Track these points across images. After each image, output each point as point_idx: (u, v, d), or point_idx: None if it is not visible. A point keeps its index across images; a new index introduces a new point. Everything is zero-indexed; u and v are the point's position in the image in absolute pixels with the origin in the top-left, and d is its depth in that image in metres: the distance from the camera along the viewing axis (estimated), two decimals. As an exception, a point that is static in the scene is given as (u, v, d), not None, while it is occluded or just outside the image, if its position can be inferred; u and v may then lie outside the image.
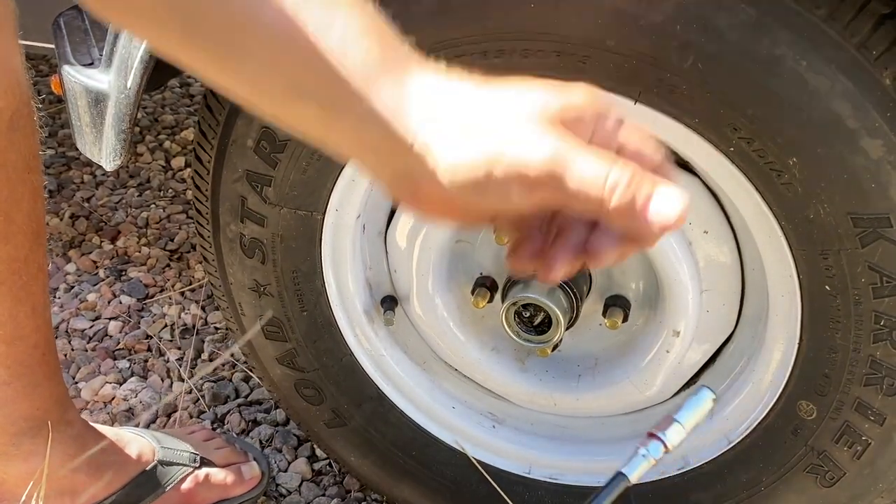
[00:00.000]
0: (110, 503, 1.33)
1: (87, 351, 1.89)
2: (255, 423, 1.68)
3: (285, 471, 1.58)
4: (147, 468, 1.36)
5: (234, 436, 1.62)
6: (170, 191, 2.47)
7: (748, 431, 1.13)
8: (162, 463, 1.38)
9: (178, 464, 1.39)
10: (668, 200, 0.62)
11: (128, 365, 1.84)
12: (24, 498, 1.25)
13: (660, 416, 1.26)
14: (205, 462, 1.42)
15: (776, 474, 1.12)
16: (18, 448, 1.24)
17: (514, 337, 1.20)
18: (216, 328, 1.95)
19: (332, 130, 0.69)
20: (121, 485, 1.34)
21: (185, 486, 1.38)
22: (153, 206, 2.38)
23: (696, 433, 1.20)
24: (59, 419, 1.29)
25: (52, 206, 2.38)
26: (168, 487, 1.37)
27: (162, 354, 1.87)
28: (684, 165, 1.07)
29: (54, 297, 2.06)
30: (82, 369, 1.82)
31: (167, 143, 2.70)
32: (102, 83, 1.15)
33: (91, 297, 2.03)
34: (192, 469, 1.40)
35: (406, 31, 0.98)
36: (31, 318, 1.18)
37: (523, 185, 0.63)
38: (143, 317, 1.98)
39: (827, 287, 0.96)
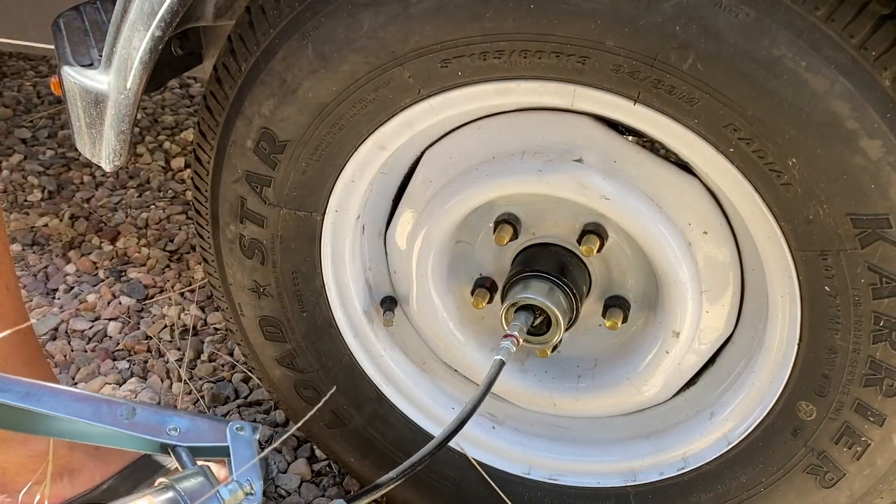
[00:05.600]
0: (108, 486, 1.32)
1: (86, 352, 1.89)
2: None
3: (285, 472, 1.58)
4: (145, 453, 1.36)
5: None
6: (169, 191, 2.47)
7: (748, 432, 1.13)
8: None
9: None
10: None
11: (127, 366, 1.84)
12: (28, 486, 1.24)
13: (660, 417, 1.26)
14: None
15: (776, 475, 1.12)
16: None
17: (514, 337, 1.19)
18: (216, 329, 1.95)
19: None
20: (119, 468, 1.33)
21: None
22: (153, 206, 2.39)
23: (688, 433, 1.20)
24: None
25: (52, 207, 2.38)
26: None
27: (161, 355, 1.87)
28: (684, 166, 1.08)
29: (54, 297, 2.06)
30: (82, 370, 1.82)
31: (167, 144, 2.70)
32: (102, 84, 1.15)
33: (91, 297, 2.03)
34: None
35: (406, 32, 0.98)
36: (6, 296, 1.20)
37: None
38: (142, 317, 1.98)
39: (826, 288, 0.96)
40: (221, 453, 1.04)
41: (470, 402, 1.08)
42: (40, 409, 0.99)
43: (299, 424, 1.13)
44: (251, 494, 0.95)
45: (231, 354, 1.86)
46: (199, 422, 1.06)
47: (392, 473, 1.00)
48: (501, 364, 1.11)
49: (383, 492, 1.00)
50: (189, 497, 0.91)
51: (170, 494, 0.92)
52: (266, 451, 0.99)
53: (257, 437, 1.06)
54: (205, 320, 1.97)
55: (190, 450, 1.02)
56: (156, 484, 0.95)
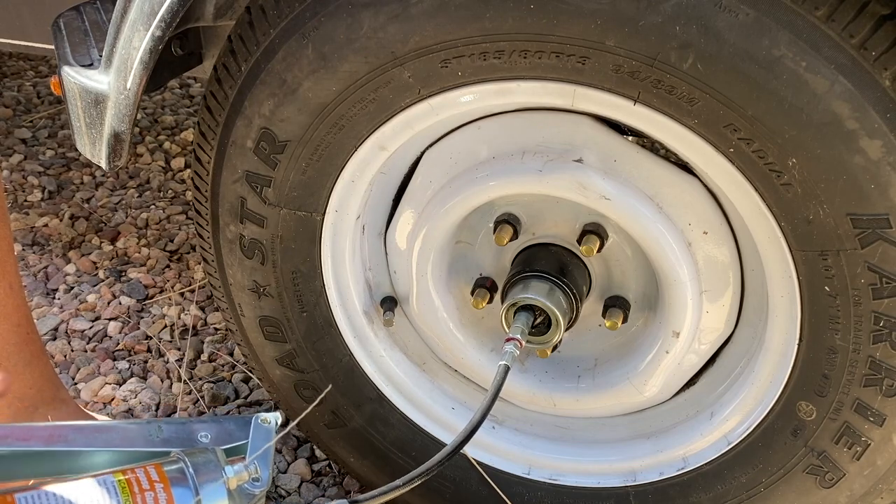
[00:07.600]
0: None
1: (86, 352, 1.89)
2: (255, 423, 1.68)
3: (285, 472, 1.58)
4: None
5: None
6: (169, 192, 2.47)
7: (748, 432, 1.13)
8: None
9: None
10: None
11: (127, 366, 1.84)
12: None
13: (660, 417, 1.26)
14: None
15: (776, 475, 1.12)
16: None
17: (514, 338, 1.20)
18: (216, 329, 1.95)
19: None
20: None
21: None
22: (153, 206, 2.39)
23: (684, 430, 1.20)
24: (54, 397, 1.29)
25: (52, 207, 2.38)
26: None
27: (161, 355, 1.87)
28: (684, 166, 1.08)
29: (54, 297, 2.06)
30: (82, 370, 1.82)
31: (167, 144, 2.70)
32: (102, 84, 1.15)
33: (91, 297, 2.03)
34: None
35: (406, 32, 0.98)
36: (10, 295, 1.20)
37: None
38: (142, 317, 1.98)
39: (826, 288, 0.96)
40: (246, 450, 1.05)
41: (479, 410, 1.07)
42: (72, 448, 0.99)
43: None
44: (256, 480, 0.97)
45: (231, 354, 1.86)
46: (225, 423, 1.08)
47: (399, 481, 1.01)
48: (507, 370, 1.11)
49: (388, 498, 1.01)
50: (195, 470, 0.94)
51: (178, 465, 0.94)
52: (263, 448, 1.00)
53: (278, 423, 1.07)
54: (205, 320, 1.97)
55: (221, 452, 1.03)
56: (170, 456, 0.97)
